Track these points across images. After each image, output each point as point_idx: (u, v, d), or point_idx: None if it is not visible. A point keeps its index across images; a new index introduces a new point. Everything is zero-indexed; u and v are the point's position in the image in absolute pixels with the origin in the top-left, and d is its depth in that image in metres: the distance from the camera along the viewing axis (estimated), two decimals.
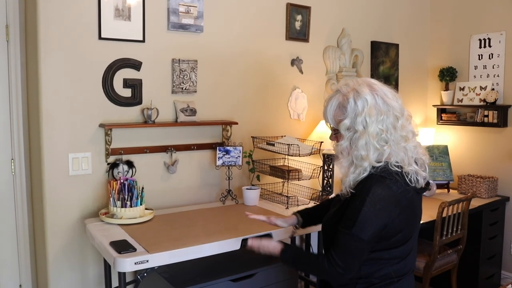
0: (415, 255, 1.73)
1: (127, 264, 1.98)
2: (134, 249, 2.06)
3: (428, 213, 3.19)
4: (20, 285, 2.87)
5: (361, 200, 1.53)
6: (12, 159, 2.80)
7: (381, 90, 1.60)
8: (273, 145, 3.01)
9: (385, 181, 1.54)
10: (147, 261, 2.01)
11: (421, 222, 2.73)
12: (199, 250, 2.16)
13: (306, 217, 2.07)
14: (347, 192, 1.61)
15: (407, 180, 1.56)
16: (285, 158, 3.21)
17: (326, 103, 1.67)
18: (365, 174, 1.58)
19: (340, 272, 1.57)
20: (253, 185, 3.11)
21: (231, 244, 2.25)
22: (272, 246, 1.81)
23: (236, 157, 2.96)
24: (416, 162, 1.61)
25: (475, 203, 3.49)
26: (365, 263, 1.61)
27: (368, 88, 1.58)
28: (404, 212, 1.57)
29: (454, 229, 3.16)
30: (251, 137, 3.17)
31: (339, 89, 1.64)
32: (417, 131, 1.67)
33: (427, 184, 1.65)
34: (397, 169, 1.56)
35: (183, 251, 2.11)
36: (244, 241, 2.26)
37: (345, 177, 1.63)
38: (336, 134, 1.67)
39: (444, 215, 3.03)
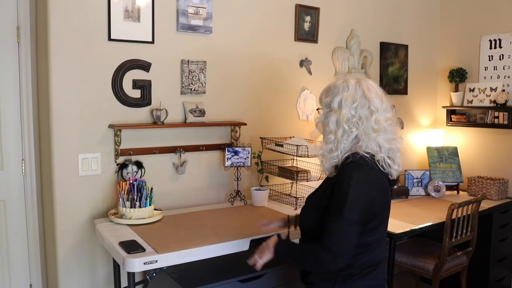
0: (385, 244, 1.86)
1: (136, 264, 1.98)
2: (143, 250, 2.07)
3: (438, 215, 3.18)
4: (31, 285, 2.89)
5: (345, 186, 1.65)
6: (22, 159, 2.82)
7: (366, 86, 1.76)
8: (282, 146, 3.00)
9: (363, 167, 1.68)
10: (156, 261, 2.02)
11: (430, 223, 2.76)
12: (207, 251, 2.16)
13: None
14: (329, 171, 1.80)
15: (379, 167, 1.71)
16: (293, 159, 3.21)
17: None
18: (337, 153, 1.74)
19: (334, 260, 1.64)
20: (261, 186, 3.11)
21: (240, 245, 2.25)
22: (267, 246, 1.86)
23: (245, 158, 2.96)
24: (389, 157, 1.75)
25: (485, 205, 3.46)
26: None
27: (355, 81, 1.77)
28: (380, 196, 1.70)
29: (464, 231, 3.13)
30: (260, 138, 3.17)
31: (338, 78, 1.89)
32: (399, 134, 1.83)
33: (394, 181, 1.80)
34: (372, 158, 1.70)
35: (192, 251, 2.12)
36: (253, 242, 2.26)
37: (318, 152, 1.83)
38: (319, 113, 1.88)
39: (453, 216, 3.00)
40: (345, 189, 1.64)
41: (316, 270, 1.78)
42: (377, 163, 1.71)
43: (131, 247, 2.09)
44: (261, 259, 1.87)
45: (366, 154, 1.70)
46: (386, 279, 1.85)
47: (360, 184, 1.65)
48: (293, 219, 2.20)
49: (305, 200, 1.97)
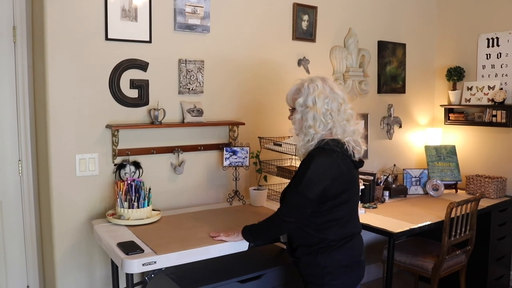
0: (358, 218, 2.15)
1: (135, 266, 1.97)
2: (142, 250, 2.05)
3: (436, 214, 3.18)
4: (28, 286, 2.87)
5: (306, 165, 1.95)
6: (19, 160, 2.80)
7: (330, 82, 2.07)
8: (280, 145, 2.99)
9: (326, 151, 1.97)
10: (154, 262, 2.00)
11: (429, 223, 2.76)
12: (206, 251, 2.15)
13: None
14: (303, 157, 2.05)
15: (344, 149, 1.99)
16: (292, 159, 3.20)
17: (289, 90, 2.14)
18: (313, 142, 2.00)
19: (284, 220, 2.02)
20: (260, 185, 3.10)
21: (239, 245, 2.23)
22: (232, 237, 2.22)
23: (243, 158, 2.95)
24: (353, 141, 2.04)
25: (483, 203, 3.46)
26: (321, 227, 2.00)
27: (321, 79, 2.06)
28: (343, 176, 1.97)
29: (463, 229, 3.13)
30: (258, 137, 3.16)
31: (301, 80, 2.11)
32: (357, 119, 2.13)
33: (361, 162, 2.10)
34: (335, 143, 1.99)
35: (190, 252, 2.10)
36: (252, 243, 2.25)
37: (298, 144, 2.08)
38: (292, 112, 2.12)
39: (452, 215, 3.00)
40: (305, 170, 1.95)
41: (276, 232, 2.17)
42: (342, 147, 1.99)
43: (130, 248, 2.07)
44: (225, 238, 2.22)
45: (330, 140, 1.99)
46: (363, 251, 2.12)
47: (319, 166, 1.94)
48: None
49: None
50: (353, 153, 2.03)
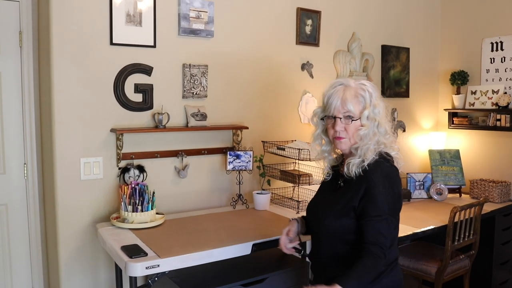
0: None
1: (138, 269, 1.98)
2: (145, 254, 2.07)
3: (440, 218, 3.17)
4: None
5: (379, 187, 1.71)
6: (24, 163, 2.82)
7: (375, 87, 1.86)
8: (284, 149, 3.00)
9: (387, 163, 1.78)
10: (158, 265, 2.01)
11: (432, 227, 2.75)
12: (210, 255, 2.16)
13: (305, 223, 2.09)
14: (355, 174, 1.77)
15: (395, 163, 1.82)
16: (295, 163, 3.20)
17: (337, 94, 1.80)
18: (373, 156, 1.76)
19: (383, 254, 1.69)
20: (263, 189, 3.10)
21: (242, 249, 2.25)
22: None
23: (247, 162, 2.96)
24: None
25: (487, 207, 3.44)
26: None
27: (368, 83, 1.83)
28: (401, 191, 1.81)
29: (466, 234, 3.12)
30: (262, 141, 3.16)
31: (343, 82, 1.83)
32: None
33: None
34: (388, 156, 1.81)
35: (194, 255, 2.11)
36: (255, 246, 2.26)
37: (358, 157, 1.77)
38: (350, 122, 1.79)
39: (456, 220, 2.99)
40: (381, 191, 1.71)
41: (375, 274, 1.73)
42: (394, 160, 1.81)
43: (133, 251, 2.09)
44: None
45: (384, 153, 1.80)
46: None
47: (390, 180, 1.75)
48: (299, 224, 2.08)
49: (314, 204, 1.96)
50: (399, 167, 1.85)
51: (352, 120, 1.78)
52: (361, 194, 1.74)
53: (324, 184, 2.01)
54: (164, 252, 2.10)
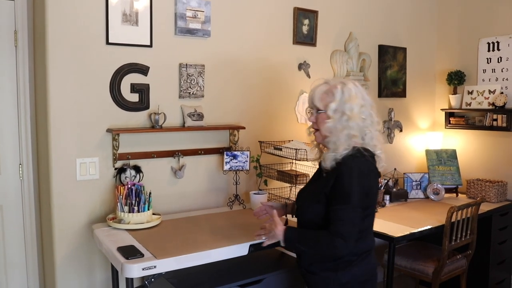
0: (373, 232, 2.03)
1: (135, 270, 1.97)
2: (142, 255, 2.05)
3: (437, 218, 3.17)
4: None
5: (348, 176, 1.81)
6: (20, 164, 2.80)
7: (360, 86, 1.96)
8: (281, 149, 2.99)
9: (361, 159, 1.85)
10: (154, 267, 2.00)
11: (429, 227, 2.80)
12: (207, 256, 2.14)
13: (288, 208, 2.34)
14: (331, 167, 1.88)
15: (374, 159, 1.91)
16: (292, 163, 3.20)
17: (313, 90, 1.97)
18: (346, 152, 1.86)
19: (346, 243, 1.80)
20: (260, 189, 3.10)
21: (239, 250, 2.23)
22: (275, 230, 1.99)
23: (244, 162, 2.95)
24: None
25: (484, 207, 3.45)
26: None
27: (352, 82, 1.94)
28: (375, 185, 1.93)
29: (463, 234, 3.12)
30: (259, 141, 3.15)
31: (326, 81, 1.97)
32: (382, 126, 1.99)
33: (379, 174, 1.98)
34: (366, 151, 1.88)
35: (190, 256, 2.10)
36: (252, 247, 2.25)
37: (332, 152, 1.89)
38: (318, 115, 1.94)
39: (453, 219, 2.99)
40: (349, 180, 1.81)
41: (326, 254, 1.89)
42: (372, 157, 1.90)
43: (130, 252, 2.07)
44: (268, 241, 2.04)
45: (361, 148, 1.88)
46: (377, 263, 2.05)
47: (360, 173, 1.82)
48: (290, 206, 2.31)
49: (300, 192, 2.13)
50: (379, 162, 1.96)
51: (318, 111, 1.93)
52: (332, 183, 1.86)
53: (314, 174, 2.14)
54: (160, 253, 2.09)
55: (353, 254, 1.89)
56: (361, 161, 1.85)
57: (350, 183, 1.81)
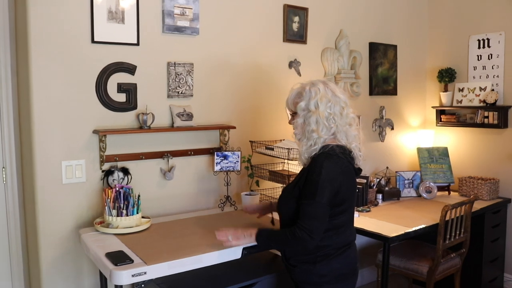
0: (353, 226, 2.12)
1: (124, 277, 1.90)
2: (131, 261, 1.98)
3: (430, 217, 3.15)
4: None
5: (317, 173, 1.89)
6: (3, 167, 2.71)
7: (332, 86, 2.03)
8: (273, 149, 2.94)
9: (332, 157, 1.92)
10: (145, 273, 1.93)
11: (423, 226, 2.95)
12: (198, 260, 2.08)
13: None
14: (306, 162, 2.00)
15: (350, 157, 1.98)
16: (284, 163, 3.14)
17: (289, 93, 2.09)
18: (316, 147, 1.95)
19: (310, 237, 1.88)
20: (252, 190, 3.05)
21: (232, 253, 2.18)
22: (248, 233, 2.09)
23: (235, 162, 2.89)
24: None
25: (477, 205, 3.43)
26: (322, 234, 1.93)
27: (322, 83, 2.02)
28: (347, 183, 1.96)
29: (457, 232, 3.10)
30: (250, 141, 3.10)
31: (301, 84, 2.08)
32: (358, 124, 2.11)
33: (360, 170, 2.08)
34: (341, 149, 1.96)
35: (182, 261, 2.04)
36: (245, 250, 2.19)
37: (300, 149, 2.02)
38: (293, 116, 2.06)
39: (447, 218, 2.97)
40: (317, 177, 1.88)
41: (295, 248, 1.99)
42: (345, 153, 1.97)
43: (119, 258, 2.00)
44: (235, 241, 2.11)
45: (335, 146, 1.95)
46: (358, 258, 2.11)
47: (329, 171, 1.89)
48: (275, 205, 2.33)
49: (281, 190, 2.20)
50: (358, 159, 2.04)
51: (292, 114, 2.07)
52: (303, 179, 1.95)
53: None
54: (150, 258, 2.02)
55: (331, 248, 1.97)
56: (332, 160, 1.92)
57: (317, 180, 1.87)
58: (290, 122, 2.10)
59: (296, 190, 1.99)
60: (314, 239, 1.89)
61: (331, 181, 1.89)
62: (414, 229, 2.93)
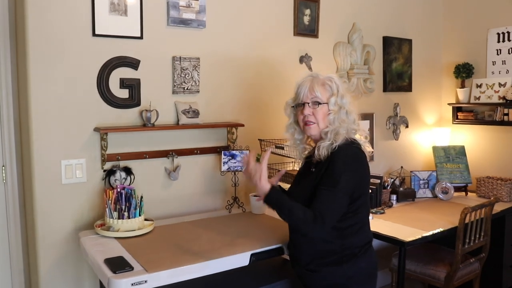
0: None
1: (123, 286, 1.78)
2: (131, 268, 1.86)
3: (448, 219, 3.01)
4: None
5: (341, 162, 1.84)
6: (3, 166, 2.63)
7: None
8: (283, 148, 2.82)
9: (353, 148, 1.91)
10: (145, 281, 1.81)
11: (441, 229, 2.86)
12: (203, 268, 1.96)
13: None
14: (324, 156, 1.90)
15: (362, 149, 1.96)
16: (295, 162, 3.02)
17: (306, 83, 1.98)
18: (339, 143, 1.89)
19: (322, 223, 1.80)
20: None
21: (239, 260, 2.06)
22: (263, 183, 1.90)
23: (243, 162, 2.77)
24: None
25: (497, 207, 3.26)
26: (346, 232, 1.88)
27: (336, 77, 2.01)
28: (367, 175, 1.96)
29: (477, 236, 2.95)
30: (258, 140, 3.00)
31: (312, 74, 2.01)
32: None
33: None
34: (356, 142, 1.95)
35: (185, 269, 1.91)
36: (253, 256, 2.07)
37: (322, 144, 1.91)
38: (317, 106, 1.94)
39: (466, 221, 2.82)
40: (341, 166, 1.84)
41: (296, 227, 1.91)
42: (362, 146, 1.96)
43: (118, 265, 1.88)
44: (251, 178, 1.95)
45: (351, 140, 1.94)
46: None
47: (351, 161, 1.87)
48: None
49: (289, 193, 2.05)
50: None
51: (319, 104, 1.94)
52: (323, 171, 1.88)
53: (297, 175, 2.16)
54: (152, 265, 1.90)
55: (356, 247, 1.91)
56: (354, 148, 1.91)
57: (341, 169, 1.83)
58: (306, 113, 1.96)
59: (317, 184, 1.88)
60: (324, 227, 1.82)
61: (354, 172, 1.86)
62: (431, 232, 2.78)
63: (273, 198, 1.89)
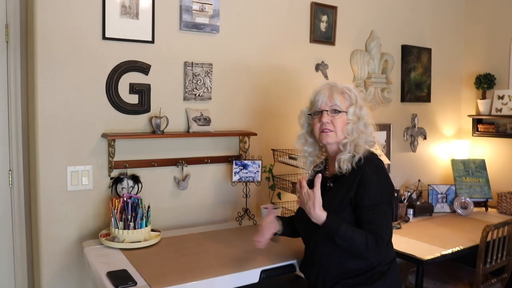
0: None
1: None
2: (134, 283, 1.78)
3: (468, 236, 2.88)
4: None
5: (372, 176, 1.80)
6: (10, 170, 2.59)
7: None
8: (296, 159, 2.73)
9: (378, 159, 1.90)
10: None
11: (461, 247, 2.75)
12: (211, 285, 1.87)
13: (286, 226, 2.14)
14: (346, 170, 1.84)
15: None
16: (308, 174, 2.92)
17: (324, 90, 1.93)
18: (360, 155, 1.85)
19: (384, 247, 1.77)
20: (273, 203, 2.88)
21: (249, 277, 1.97)
22: (318, 212, 1.77)
23: (255, 172, 2.71)
24: None
25: None
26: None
27: (352, 87, 1.97)
28: (393, 186, 1.92)
29: (499, 255, 2.81)
30: (271, 149, 2.93)
31: (330, 83, 1.97)
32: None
33: None
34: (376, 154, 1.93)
35: (191, 285, 1.83)
36: (264, 273, 1.97)
37: (348, 152, 1.86)
38: (337, 114, 1.90)
39: (488, 239, 2.69)
40: (375, 180, 1.80)
41: (357, 253, 1.77)
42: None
43: (120, 279, 1.81)
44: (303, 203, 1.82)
45: (371, 151, 1.92)
46: None
47: (383, 173, 1.85)
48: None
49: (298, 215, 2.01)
50: None
51: (339, 112, 1.89)
52: (356, 185, 1.81)
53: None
54: (157, 280, 1.82)
55: (384, 264, 1.86)
56: (379, 160, 1.90)
57: (377, 183, 1.80)
58: (324, 120, 1.90)
59: (346, 201, 1.82)
60: (383, 250, 1.79)
61: (386, 184, 1.86)
62: (450, 250, 2.65)
63: (331, 227, 1.76)
